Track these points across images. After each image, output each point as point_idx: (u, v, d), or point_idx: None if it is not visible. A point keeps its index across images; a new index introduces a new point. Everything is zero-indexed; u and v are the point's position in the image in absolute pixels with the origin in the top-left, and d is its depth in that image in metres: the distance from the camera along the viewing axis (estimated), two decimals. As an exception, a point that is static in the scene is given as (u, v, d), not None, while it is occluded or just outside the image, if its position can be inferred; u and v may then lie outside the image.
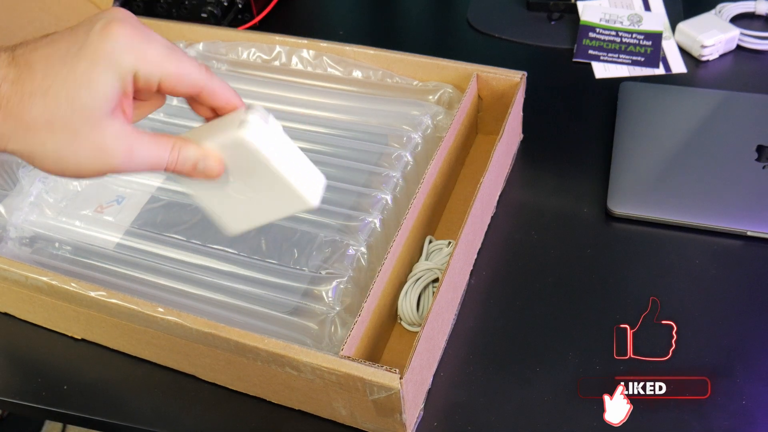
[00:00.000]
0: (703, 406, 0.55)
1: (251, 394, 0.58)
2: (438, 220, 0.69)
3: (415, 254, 0.64)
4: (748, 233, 0.65)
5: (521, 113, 0.74)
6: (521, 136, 0.77)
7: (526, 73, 0.70)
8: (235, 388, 0.58)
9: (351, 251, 0.60)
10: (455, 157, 0.70)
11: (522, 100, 0.72)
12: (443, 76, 0.74)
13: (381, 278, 0.55)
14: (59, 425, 1.39)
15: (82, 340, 0.63)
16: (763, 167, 0.69)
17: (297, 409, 0.57)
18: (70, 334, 0.64)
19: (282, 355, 0.50)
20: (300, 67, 0.80)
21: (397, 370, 0.48)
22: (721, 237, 0.66)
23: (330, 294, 0.57)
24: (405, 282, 0.62)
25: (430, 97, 0.74)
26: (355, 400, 0.51)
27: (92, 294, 0.55)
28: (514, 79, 0.70)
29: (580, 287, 0.64)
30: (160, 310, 0.53)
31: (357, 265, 0.59)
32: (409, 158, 0.67)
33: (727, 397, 0.55)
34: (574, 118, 0.80)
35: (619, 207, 0.68)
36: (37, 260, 0.64)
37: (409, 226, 0.59)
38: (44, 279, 0.56)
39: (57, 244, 0.65)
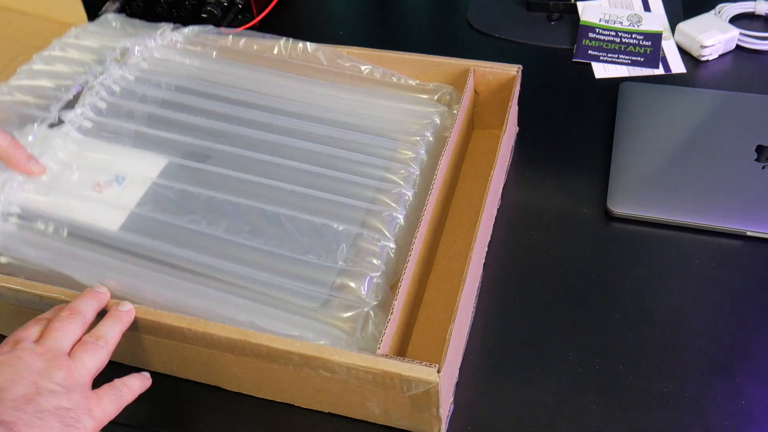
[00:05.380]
0: (703, 406, 0.55)
1: (278, 400, 0.57)
2: (446, 215, 0.69)
3: (432, 250, 0.64)
4: (748, 233, 0.65)
5: (517, 106, 0.74)
6: (517, 128, 0.78)
7: (521, 67, 0.71)
8: (261, 396, 0.58)
9: (381, 245, 0.59)
10: (458, 154, 0.71)
11: (518, 93, 0.72)
12: (439, 73, 0.75)
13: (407, 275, 0.55)
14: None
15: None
16: (763, 167, 0.69)
17: (327, 412, 0.56)
18: None
19: (316, 357, 0.50)
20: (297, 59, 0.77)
21: (436, 364, 0.48)
22: (721, 237, 0.66)
23: (364, 288, 0.57)
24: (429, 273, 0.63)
25: (425, 96, 0.74)
26: (391, 397, 0.51)
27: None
28: (511, 72, 0.71)
29: (580, 287, 0.64)
30: (187, 321, 0.52)
31: (387, 260, 0.59)
32: (424, 156, 0.67)
33: (727, 397, 0.55)
34: (574, 118, 0.80)
35: (619, 207, 0.68)
36: (28, 240, 0.60)
37: (427, 222, 0.60)
38: (54, 295, 0.55)
39: (52, 226, 0.61)
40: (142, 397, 0.58)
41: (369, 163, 0.66)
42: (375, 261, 0.58)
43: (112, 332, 0.52)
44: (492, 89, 0.73)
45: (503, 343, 0.60)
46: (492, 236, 0.68)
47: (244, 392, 0.58)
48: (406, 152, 0.67)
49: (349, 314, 0.56)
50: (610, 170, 0.71)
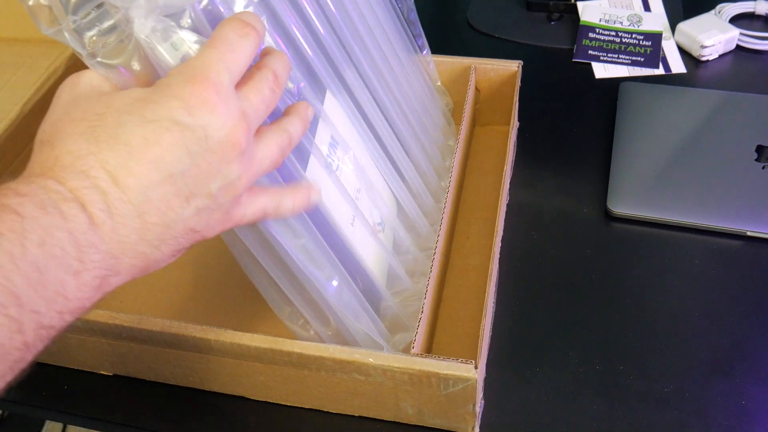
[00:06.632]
0: (703, 406, 0.55)
1: (307, 407, 0.56)
2: (456, 211, 0.70)
3: (447, 248, 0.64)
4: (748, 233, 0.65)
5: (518, 102, 0.75)
6: (518, 123, 0.78)
7: (522, 62, 0.72)
8: (289, 404, 0.57)
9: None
10: (465, 152, 0.72)
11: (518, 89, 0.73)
12: (440, 72, 0.75)
13: (433, 274, 0.55)
14: (59, 425, 1.39)
15: (114, 376, 0.60)
16: (763, 167, 0.69)
17: (357, 415, 0.56)
18: (101, 371, 0.60)
19: (350, 362, 0.49)
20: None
21: (472, 360, 0.48)
22: (721, 237, 0.66)
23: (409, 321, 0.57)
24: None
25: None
26: (426, 396, 0.51)
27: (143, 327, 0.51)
28: (512, 68, 0.72)
29: (580, 287, 0.64)
30: (213, 332, 0.51)
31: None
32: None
33: (727, 397, 0.55)
34: (574, 118, 0.80)
35: (619, 207, 0.68)
36: None
37: (446, 221, 0.60)
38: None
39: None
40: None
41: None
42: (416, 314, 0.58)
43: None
44: (493, 86, 0.74)
45: (502, 343, 0.60)
46: (492, 236, 0.68)
47: (271, 401, 0.57)
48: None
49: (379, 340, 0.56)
50: (610, 170, 0.71)
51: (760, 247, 0.65)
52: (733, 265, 0.64)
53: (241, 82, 0.37)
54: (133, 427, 0.57)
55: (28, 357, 0.29)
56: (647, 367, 0.57)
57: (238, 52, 0.35)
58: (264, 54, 0.40)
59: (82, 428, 1.05)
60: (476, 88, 0.74)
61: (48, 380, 0.61)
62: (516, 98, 0.70)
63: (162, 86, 0.34)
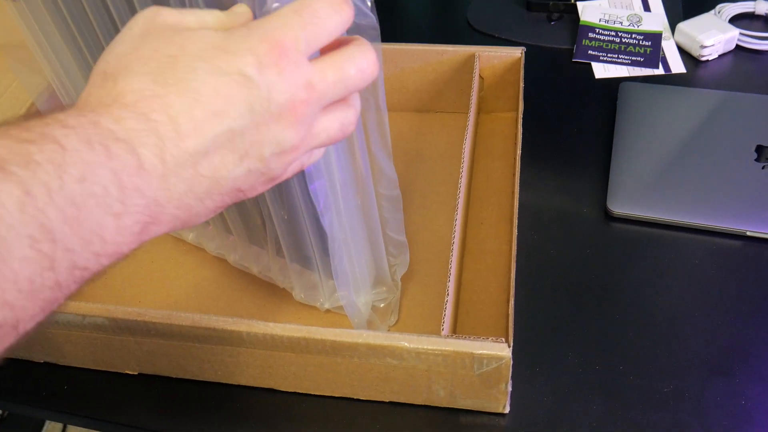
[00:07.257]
0: (703, 406, 0.55)
1: (338, 395, 0.56)
2: (469, 198, 0.70)
3: (463, 233, 0.65)
4: (748, 233, 0.65)
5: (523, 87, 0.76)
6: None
7: (525, 49, 0.73)
8: (320, 393, 0.56)
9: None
10: (473, 140, 0.73)
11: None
12: (443, 61, 0.76)
13: (454, 256, 0.55)
14: (59, 425, 1.39)
15: (139, 374, 0.59)
16: (763, 167, 0.69)
17: (388, 401, 0.56)
18: (126, 371, 0.60)
19: (384, 346, 0.49)
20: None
21: (502, 338, 0.48)
22: (720, 237, 0.66)
23: (397, 277, 0.59)
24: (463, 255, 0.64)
25: None
26: (459, 377, 0.51)
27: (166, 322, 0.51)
28: (515, 55, 0.73)
29: (580, 287, 0.64)
30: (245, 324, 0.50)
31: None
32: None
33: (727, 397, 0.55)
34: (573, 118, 0.80)
35: (619, 207, 0.68)
36: None
37: (461, 206, 0.60)
38: (101, 319, 0.53)
39: None
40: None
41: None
42: (394, 250, 0.59)
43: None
44: (497, 73, 0.75)
45: (503, 343, 0.60)
46: (492, 236, 0.68)
47: (301, 391, 0.57)
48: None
49: (383, 305, 0.58)
50: (610, 170, 0.71)
51: (760, 247, 0.65)
52: (733, 265, 0.64)
53: (330, 53, 0.36)
54: (134, 428, 0.57)
55: (60, 298, 0.28)
56: (647, 367, 0.57)
57: (320, 27, 0.34)
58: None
59: (82, 428, 1.05)
60: (480, 76, 0.74)
61: (48, 380, 0.61)
62: (521, 84, 0.71)
63: (239, 37, 0.33)
